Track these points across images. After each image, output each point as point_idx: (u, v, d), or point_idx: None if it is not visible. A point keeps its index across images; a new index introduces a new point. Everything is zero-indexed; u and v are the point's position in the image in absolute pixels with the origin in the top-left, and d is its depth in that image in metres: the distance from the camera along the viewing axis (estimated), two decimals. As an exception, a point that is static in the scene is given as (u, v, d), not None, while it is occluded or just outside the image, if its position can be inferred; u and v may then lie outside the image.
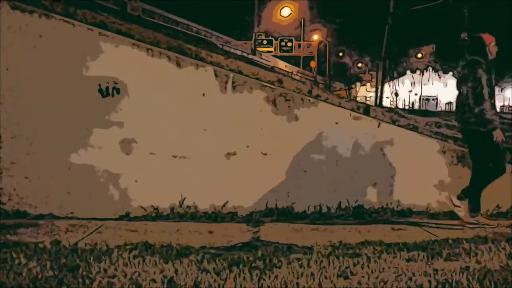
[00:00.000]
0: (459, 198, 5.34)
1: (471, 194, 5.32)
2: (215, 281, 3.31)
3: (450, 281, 3.30)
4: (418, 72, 57.32)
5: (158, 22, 22.46)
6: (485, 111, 5.09)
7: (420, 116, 20.45)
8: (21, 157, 5.53)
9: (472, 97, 5.13)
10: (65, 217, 5.51)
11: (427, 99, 55.88)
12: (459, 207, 5.32)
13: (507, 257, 3.84)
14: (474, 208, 5.29)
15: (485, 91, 5.09)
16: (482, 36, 5.33)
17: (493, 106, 5.17)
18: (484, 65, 5.17)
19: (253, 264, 3.65)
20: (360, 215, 5.75)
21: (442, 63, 58.16)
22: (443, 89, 57.38)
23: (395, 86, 53.71)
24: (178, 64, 5.68)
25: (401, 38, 42.43)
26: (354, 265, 3.65)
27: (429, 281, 3.29)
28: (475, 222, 5.24)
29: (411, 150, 5.92)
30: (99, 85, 5.59)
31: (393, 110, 24.38)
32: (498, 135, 5.13)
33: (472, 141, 5.36)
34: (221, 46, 22.59)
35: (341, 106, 5.96)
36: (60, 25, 5.58)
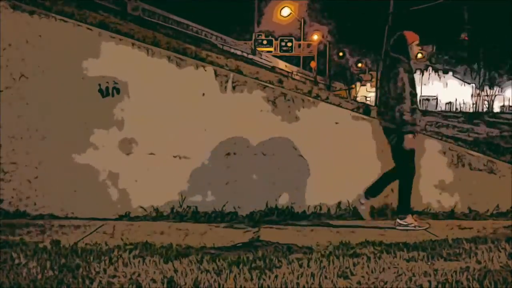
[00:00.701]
0: (371, 195, 5.23)
1: (399, 195, 5.19)
2: (215, 281, 3.30)
3: (450, 281, 3.29)
4: (418, 72, 57.34)
5: (158, 22, 22.45)
6: (403, 111, 4.94)
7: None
8: (21, 157, 5.53)
9: (392, 95, 5.00)
10: (65, 217, 5.51)
11: (427, 99, 55.86)
12: (363, 204, 5.22)
13: (507, 257, 3.84)
14: (402, 210, 5.15)
15: (406, 90, 4.94)
16: (405, 34, 5.17)
17: (413, 108, 5.01)
18: (405, 64, 5.05)
19: (253, 264, 3.64)
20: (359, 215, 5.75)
21: (442, 63, 58.18)
22: (443, 89, 57.37)
23: (395, 86, 53.60)
24: (178, 64, 5.68)
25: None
26: (354, 265, 3.65)
27: (429, 281, 3.29)
28: (404, 223, 5.11)
29: (411, 150, 5.91)
30: (99, 85, 5.59)
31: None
32: (408, 142, 4.98)
33: (391, 140, 5.20)
34: (221, 46, 22.59)
35: (341, 106, 5.96)
36: (60, 25, 5.58)
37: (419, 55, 54.94)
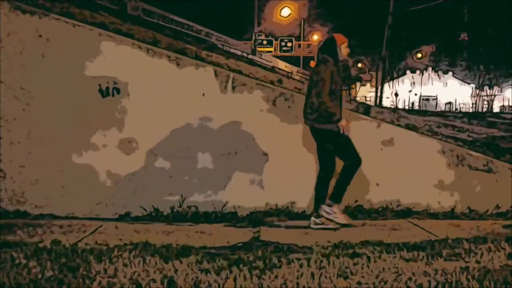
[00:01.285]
0: (335, 201, 5.21)
1: (338, 182, 5.18)
2: (215, 281, 3.30)
3: (450, 281, 3.30)
4: (418, 72, 57.30)
5: (158, 22, 22.46)
6: (328, 107, 5.01)
7: (419, 116, 20.46)
8: (21, 157, 5.53)
9: (316, 94, 5.06)
10: (65, 217, 5.51)
11: (427, 99, 55.82)
12: (335, 213, 5.17)
13: (507, 257, 3.84)
14: (335, 198, 5.17)
15: (327, 88, 5.01)
16: (334, 36, 5.31)
17: (336, 105, 5.08)
18: (331, 64, 5.13)
19: (253, 264, 3.64)
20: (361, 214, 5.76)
21: (442, 63, 58.18)
22: (443, 89, 57.35)
23: (395, 86, 53.71)
24: (178, 64, 5.69)
25: (401, 38, 42.41)
26: (354, 265, 3.65)
27: (429, 281, 3.29)
28: (329, 211, 5.12)
29: (411, 150, 5.92)
30: (99, 85, 5.59)
31: (394, 110, 24.39)
32: (343, 126, 5.07)
33: (319, 139, 5.23)
34: (221, 46, 22.58)
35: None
36: (60, 25, 5.58)
37: (419, 55, 55.04)
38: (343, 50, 5.23)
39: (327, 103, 5.02)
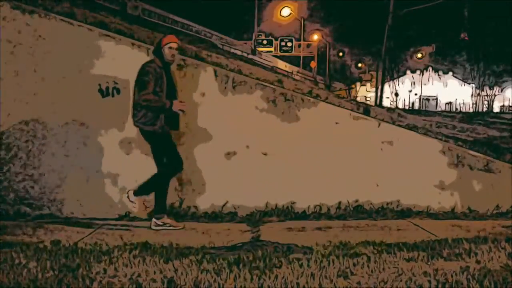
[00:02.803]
0: (135, 193, 5.21)
1: (156, 195, 5.22)
2: (215, 281, 3.30)
3: (450, 281, 3.30)
4: (418, 72, 57.31)
5: (158, 22, 22.45)
6: (149, 108, 5.02)
7: (419, 116, 20.47)
8: (21, 157, 5.52)
9: (138, 95, 5.05)
10: (65, 217, 5.51)
11: (427, 99, 55.83)
12: (134, 203, 5.20)
13: (507, 257, 3.84)
14: (158, 210, 5.19)
15: (149, 87, 5.00)
16: (163, 38, 5.30)
17: (160, 107, 5.04)
18: (154, 64, 5.14)
19: (253, 264, 3.65)
20: (361, 214, 5.76)
21: (442, 63, 58.18)
22: (443, 89, 57.36)
23: (395, 86, 53.71)
24: (178, 64, 5.68)
25: (401, 38, 42.42)
26: (354, 265, 3.65)
27: (429, 281, 3.29)
28: (160, 224, 5.15)
29: (411, 150, 5.92)
30: (99, 85, 5.59)
31: (394, 110, 24.38)
32: (175, 105, 5.04)
33: (147, 140, 5.22)
34: (221, 46, 22.58)
35: (341, 106, 5.97)
36: (60, 25, 5.58)
37: (419, 55, 55.05)
38: (167, 51, 5.18)
39: (149, 103, 4.99)
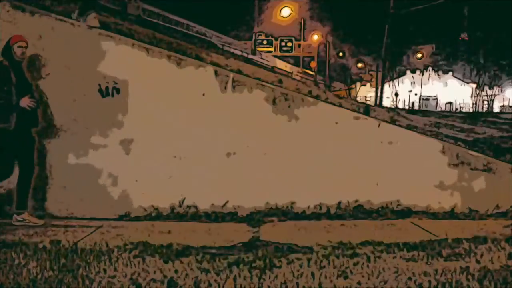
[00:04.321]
0: (17, 209, 5.27)
1: (18, 192, 5.30)
2: (215, 281, 3.31)
3: (450, 281, 3.30)
4: (418, 72, 57.32)
5: (158, 22, 22.46)
6: (3, 109, 5.08)
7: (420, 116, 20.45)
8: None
9: None
10: (65, 217, 5.51)
11: (427, 99, 55.83)
12: (25, 219, 5.25)
13: (507, 257, 3.84)
14: (20, 206, 5.26)
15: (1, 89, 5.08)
16: (12, 37, 5.30)
17: (7, 106, 5.09)
18: (4, 65, 5.18)
19: (253, 264, 3.65)
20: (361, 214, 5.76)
21: (442, 63, 58.20)
22: (443, 89, 57.37)
23: (395, 86, 53.72)
24: (178, 64, 5.68)
25: (401, 38, 42.41)
26: (354, 265, 3.65)
27: (429, 281, 3.29)
28: (20, 219, 5.21)
29: (411, 150, 5.92)
30: (99, 85, 5.59)
31: (394, 110, 24.38)
32: (23, 101, 5.10)
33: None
34: (221, 46, 22.59)
35: (341, 106, 5.96)
36: (60, 25, 5.58)
37: (419, 55, 54.95)
38: (16, 49, 5.22)
39: (5, 106, 5.05)
